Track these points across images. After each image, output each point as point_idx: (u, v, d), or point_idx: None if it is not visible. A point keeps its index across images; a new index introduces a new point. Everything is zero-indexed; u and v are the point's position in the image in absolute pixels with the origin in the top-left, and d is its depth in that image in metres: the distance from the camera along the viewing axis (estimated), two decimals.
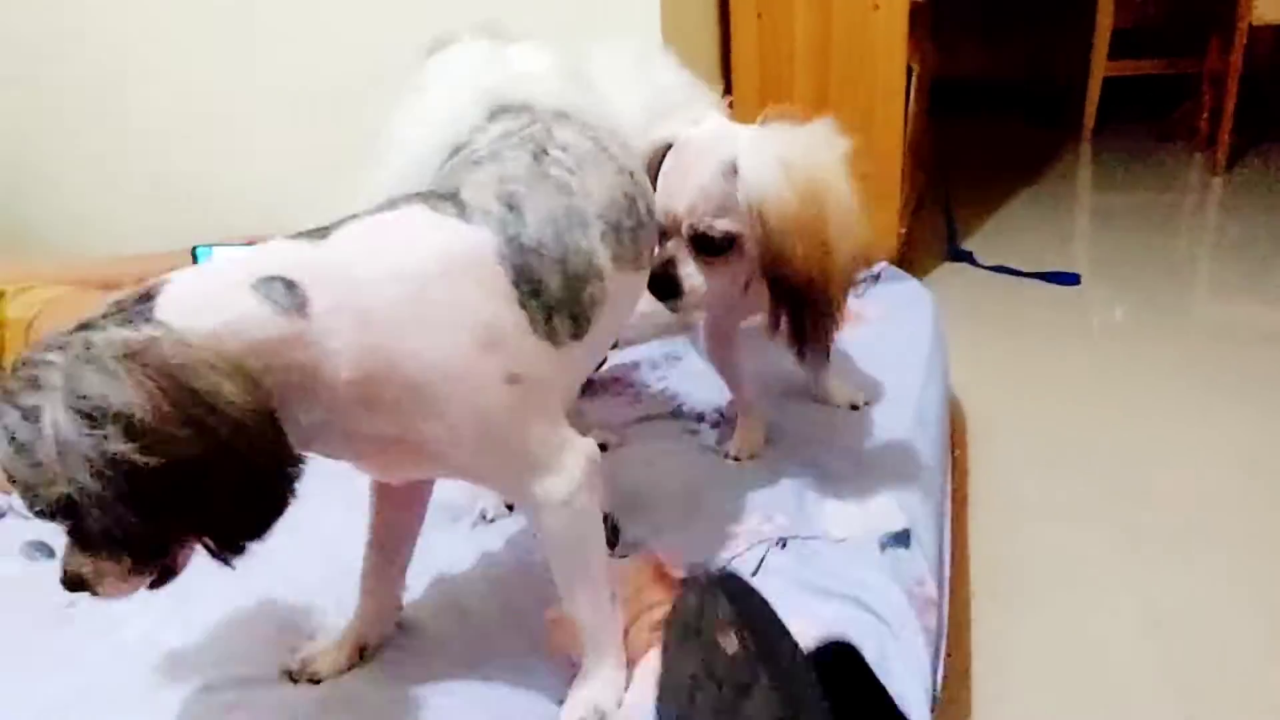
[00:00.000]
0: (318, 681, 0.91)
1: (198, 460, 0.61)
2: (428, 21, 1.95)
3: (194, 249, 1.99)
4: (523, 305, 0.75)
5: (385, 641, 0.96)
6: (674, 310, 1.05)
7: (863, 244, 0.97)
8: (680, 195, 0.98)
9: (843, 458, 1.21)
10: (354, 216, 0.75)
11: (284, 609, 1.01)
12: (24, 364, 0.61)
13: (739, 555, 1.02)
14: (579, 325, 0.80)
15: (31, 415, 0.59)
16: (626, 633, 0.91)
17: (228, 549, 0.67)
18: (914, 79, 2.18)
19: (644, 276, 0.95)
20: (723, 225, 0.97)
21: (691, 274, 1.00)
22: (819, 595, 0.94)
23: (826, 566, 0.99)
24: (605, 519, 1.14)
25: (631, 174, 0.89)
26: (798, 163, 0.93)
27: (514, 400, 0.74)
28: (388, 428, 0.72)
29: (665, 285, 1.00)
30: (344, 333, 0.67)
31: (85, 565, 0.66)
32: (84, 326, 0.63)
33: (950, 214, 2.66)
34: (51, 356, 0.60)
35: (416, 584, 1.01)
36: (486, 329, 0.73)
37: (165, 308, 0.64)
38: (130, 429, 0.58)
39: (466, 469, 0.81)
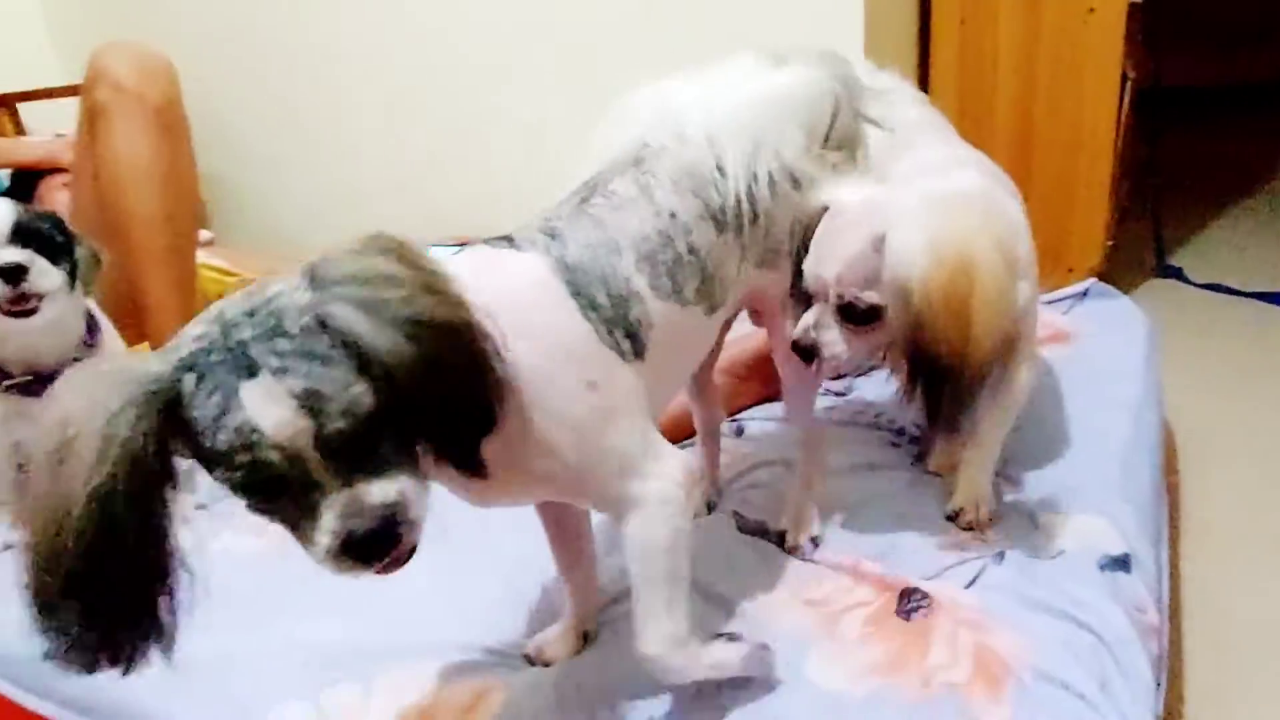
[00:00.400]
0: (548, 665, 0.99)
1: (454, 343, 0.64)
2: (635, 36, 2.03)
3: None
4: (585, 317, 0.80)
5: (601, 627, 1.02)
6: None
7: (1007, 327, 0.93)
8: (829, 263, 0.96)
9: (1052, 477, 1.19)
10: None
11: (525, 590, 1.10)
12: (263, 334, 0.60)
13: (951, 567, 1.03)
14: (637, 344, 0.83)
15: (312, 325, 0.60)
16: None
17: (464, 455, 0.68)
18: (1127, 87, 2.09)
19: (694, 313, 0.91)
20: (869, 297, 0.95)
21: (833, 341, 0.98)
22: (1040, 612, 0.94)
23: (1046, 584, 0.98)
24: None
25: (672, 215, 0.90)
26: (948, 242, 0.88)
27: (597, 405, 0.79)
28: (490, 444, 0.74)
29: (806, 350, 1.00)
30: None
31: (391, 491, 0.63)
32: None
33: (1159, 227, 2.53)
34: (285, 300, 0.61)
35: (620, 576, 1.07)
36: (560, 338, 0.78)
37: None
38: (406, 300, 0.62)
39: (563, 476, 0.81)
